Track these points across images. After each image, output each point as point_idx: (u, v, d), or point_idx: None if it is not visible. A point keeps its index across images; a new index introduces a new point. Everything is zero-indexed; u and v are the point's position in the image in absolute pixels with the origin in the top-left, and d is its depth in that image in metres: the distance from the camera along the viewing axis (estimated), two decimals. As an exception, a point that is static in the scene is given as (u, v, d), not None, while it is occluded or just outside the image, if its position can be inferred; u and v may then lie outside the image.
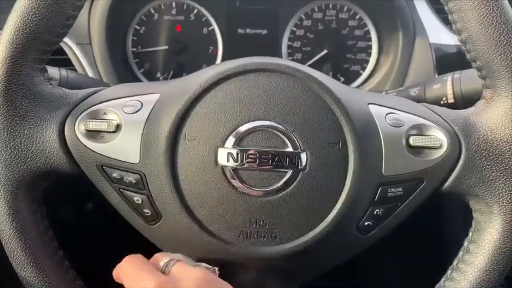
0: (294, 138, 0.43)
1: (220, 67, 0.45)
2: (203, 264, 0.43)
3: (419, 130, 0.46)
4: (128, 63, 0.82)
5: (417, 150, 0.45)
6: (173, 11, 0.82)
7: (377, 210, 0.45)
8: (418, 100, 0.62)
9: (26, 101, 0.44)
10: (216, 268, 0.43)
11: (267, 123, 0.44)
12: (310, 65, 0.80)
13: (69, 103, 0.46)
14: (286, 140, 0.43)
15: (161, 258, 0.43)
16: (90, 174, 0.46)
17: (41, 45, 0.44)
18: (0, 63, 0.43)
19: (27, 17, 0.43)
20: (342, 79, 0.82)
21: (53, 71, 0.60)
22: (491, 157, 0.45)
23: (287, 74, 0.45)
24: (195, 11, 0.82)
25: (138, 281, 0.39)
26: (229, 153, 0.43)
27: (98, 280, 0.51)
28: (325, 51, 0.81)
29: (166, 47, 0.81)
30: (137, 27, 0.82)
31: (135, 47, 0.82)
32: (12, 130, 0.44)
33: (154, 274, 0.39)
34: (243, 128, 0.43)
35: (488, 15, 0.42)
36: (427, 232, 0.87)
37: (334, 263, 0.48)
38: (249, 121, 0.44)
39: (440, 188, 0.46)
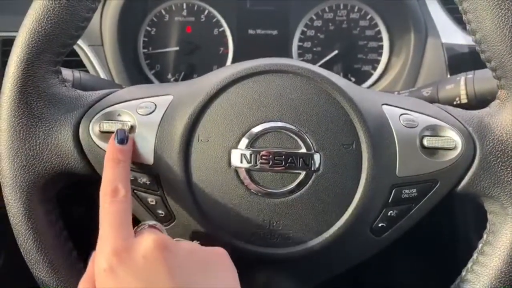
0: (307, 139, 0.43)
1: (233, 68, 0.45)
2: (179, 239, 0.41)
3: (433, 131, 0.45)
4: (139, 64, 0.82)
5: (431, 151, 0.45)
6: (184, 13, 0.82)
7: (391, 211, 0.45)
8: (431, 100, 0.61)
9: (41, 103, 0.45)
10: (197, 242, 0.42)
11: (280, 124, 0.44)
12: (320, 66, 0.80)
13: (84, 105, 0.46)
14: (299, 141, 0.43)
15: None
16: None
17: (56, 48, 0.44)
18: (15, 65, 0.43)
19: (42, 19, 0.43)
20: (353, 79, 0.82)
21: (67, 73, 0.60)
22: (506, 158, 0.44)
23: (300, 75, 0.44)
24: (206, 12, 0.82)
25: (107, 232, 0.38)
26: (242, 154, 0.43)
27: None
28: (336, 52, 0.81)
29: (177, 48, 0.82)
30: (148, 29, 0.82)
31: (146, 48, 0.82)
32: (27, 132, 0.44)
33: (121, 233, 0.38)
34: (256, 129, 0.43)
35: (503, 15, 0.42)
36: (439, 234, 0.87)
37: (347, 265, 0.47)
38: (262, 122, 0.44)
39: (454, 189, 0.46)
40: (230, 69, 0.45)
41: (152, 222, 0.42)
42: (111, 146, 0.43)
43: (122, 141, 0.43)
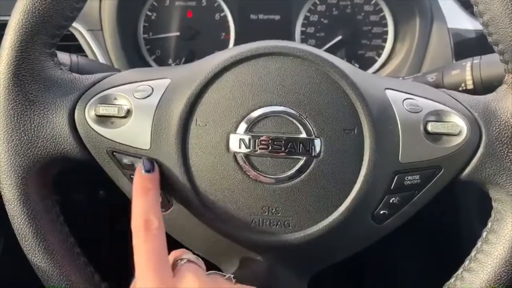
0: (308, 124, 0.42)
1: (232, 51, 0.44)
2: (216, 272, 0.41)
3: (438, 116, 0.44)
4: (140, 49, 0.81)
5: (435, 137, 0.44)
6: None
7: (393, 198, 0.44)
8: (436, 86, 0.60)
9: (35, 86, 0.44)
10: (232, 276, 0.42)
11: (280, 108, 0.42)
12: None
13: (79, 88, 0.45)
14: (300, 126, 0.42)
15: (177, 253, 0.42)
16: (101, 160, 0.45)
17: (51, 29, 0.43)
18: (9, 48, 0.42)
19: (36, 0, 0.42)
20: (357, 65, 0.80)
21: (64, 57, 0.59)
22: None
23: (301, 58, 0.43)
24: (207, -4, 0.80)
25: (145, 273, 0.38)
26: (241, 139, 0.42)
27: (109, 267, 0.51)
28: (339, 37, 0.79)
29: (177, 33, 0.80)
30: (149, 13, 0.81)
31: (147, 34, 0.81)
32: (22, 115, 0.44)
33: (159, 274, 0.37)
34: (256, 113, 0.42)
35: None
36: (441, 222, 0.86)
37: (348, 252, 0.47)
38: (261, 107, 0.43)
39: (458, 176, 0.45)
40: (229, 52, 0.44)
41: (192, 257, 0.41)
42: (138, 176, 0.41)
43: (149, 170, 0.42)
